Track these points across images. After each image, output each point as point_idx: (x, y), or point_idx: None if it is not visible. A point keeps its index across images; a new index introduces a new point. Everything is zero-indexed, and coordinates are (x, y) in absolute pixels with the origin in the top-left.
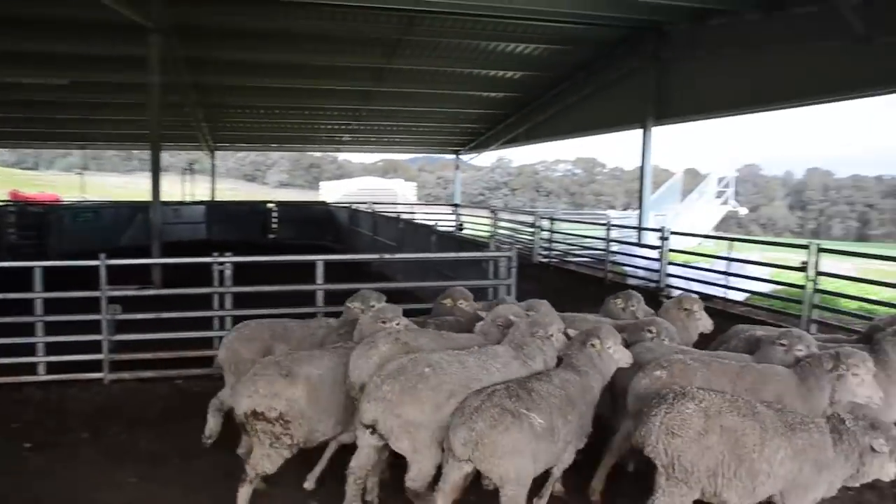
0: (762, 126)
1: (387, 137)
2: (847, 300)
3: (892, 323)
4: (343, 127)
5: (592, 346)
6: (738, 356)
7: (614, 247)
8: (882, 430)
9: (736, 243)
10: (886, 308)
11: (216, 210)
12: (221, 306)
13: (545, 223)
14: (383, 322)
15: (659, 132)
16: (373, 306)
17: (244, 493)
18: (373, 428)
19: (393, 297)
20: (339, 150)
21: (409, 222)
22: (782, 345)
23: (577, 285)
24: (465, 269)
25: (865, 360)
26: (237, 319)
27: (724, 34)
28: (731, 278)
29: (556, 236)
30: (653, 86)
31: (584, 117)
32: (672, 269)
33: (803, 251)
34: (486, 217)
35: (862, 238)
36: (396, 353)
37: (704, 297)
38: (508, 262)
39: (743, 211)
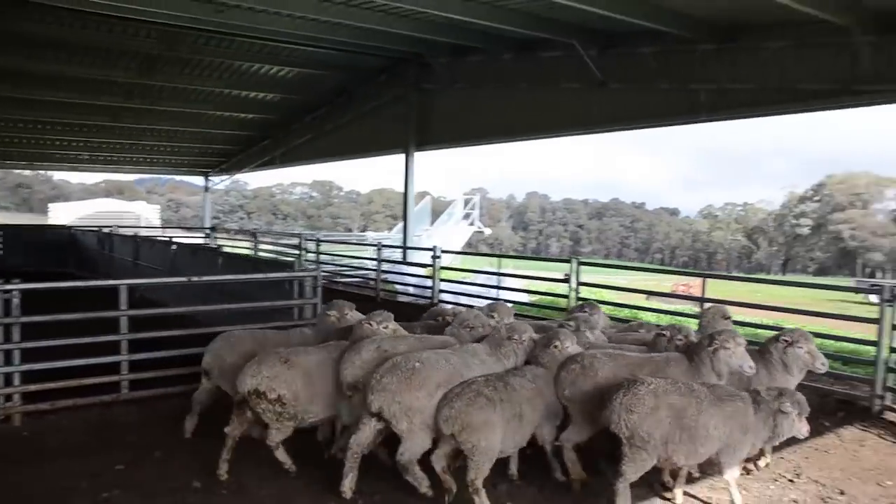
0: (487, 153)
1: (131, 157)
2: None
3: (680, 330)
4: (82, 144)
5: (555, 346)
6: (638, 349)
7: (384, 266)
8: (787, 396)
9: (498, 260)
10: (636, 311)
11: None
12: (8, 339)
13: (311, 245)
14: (376, 325)
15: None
16: (347, 314)
17: (281, 455)
18: (378, 415)
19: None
20: (74, 169)
21: (183, 245)
22: (662, 335)
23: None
24: (260, 291)
25: (734, 336)
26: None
27: (481, 69)
28: (500, 291)
29: (323, 257)
30: (414, 113)
31: (346, 141)
32: (443, 286)
33: (566, 265)
34: (244, 240)
35: (575, 253)
36: (378, 357)
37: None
38: (314, 281)
39: (488, 231)
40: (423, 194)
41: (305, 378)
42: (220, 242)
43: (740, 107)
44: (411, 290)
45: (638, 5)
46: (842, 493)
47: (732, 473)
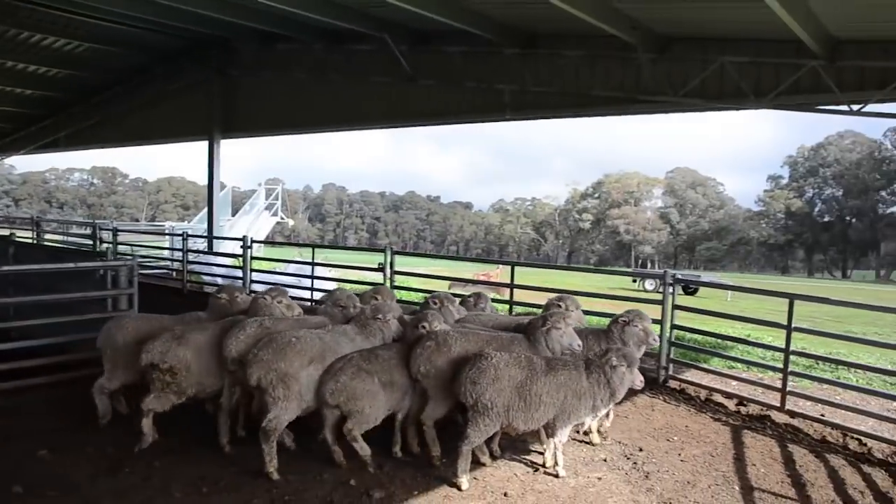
0: (282, 142)
1: None
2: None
3: (539, 319)
4: None
5: (423, 327)
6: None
7: (190, 256)
8: (613, 352)
9: (301, 249)
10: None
11: None
12: None
13: (106, 235)
14: (271, 300)
15: (202, 146)
16: (237, 297)
17: (147, 424)
18: (258, 385)
19: None
20: None
21: None
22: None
23: (159, 295)
24: (60, 283)
25: (564, 317)
26: None
27: (291, 57)
28: (315, 281)
29: (121, 248)
30: (219, 99)
31: (143, 125)
32: (254, 276)
33: (379, 254)
34: (22, 228)
35: (372, 244)
36: (260, 334)
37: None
38: (130, 271)
39: (291, 222)
40: (220, 184)
41: (196, 353)
42: None
43: (541, 108)
44: (219, 280)
45: (445, 5)
46: (640, 449)
47: (561, 436)
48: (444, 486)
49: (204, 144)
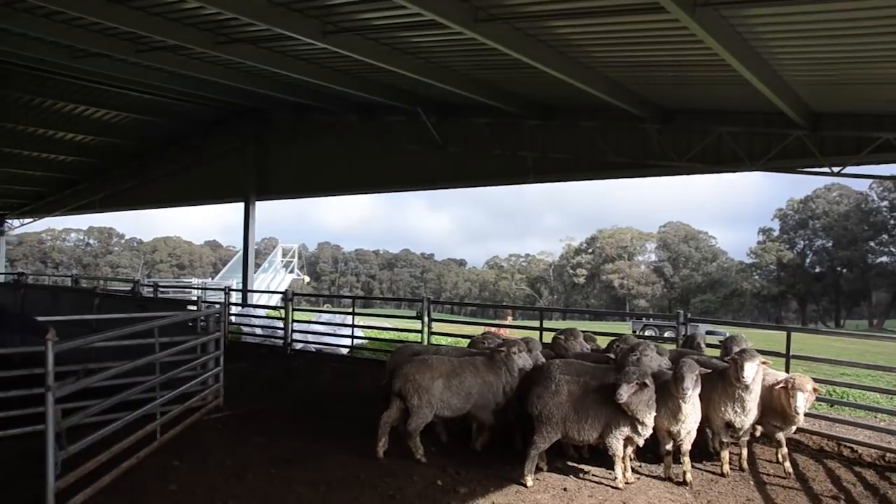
0: (277, 204)
1: None
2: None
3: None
4: None
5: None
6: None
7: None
8: (506, 344)
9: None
10: None
11: None
12: None
13: (145, 290)
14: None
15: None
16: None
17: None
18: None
19: None
20: None
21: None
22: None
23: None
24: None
25: (518, 344)
26: None
27: (324, 128)
28: (354, 329)
29: None
30: (254, 165)
31: (178, 188)
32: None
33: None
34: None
35: (367, 305)
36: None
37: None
38: (218, 317)
39: (307, 279)
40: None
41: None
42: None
43: (560, 172)
44: (258, 331)
45: (471, 83)
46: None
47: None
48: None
49: (199, 209)
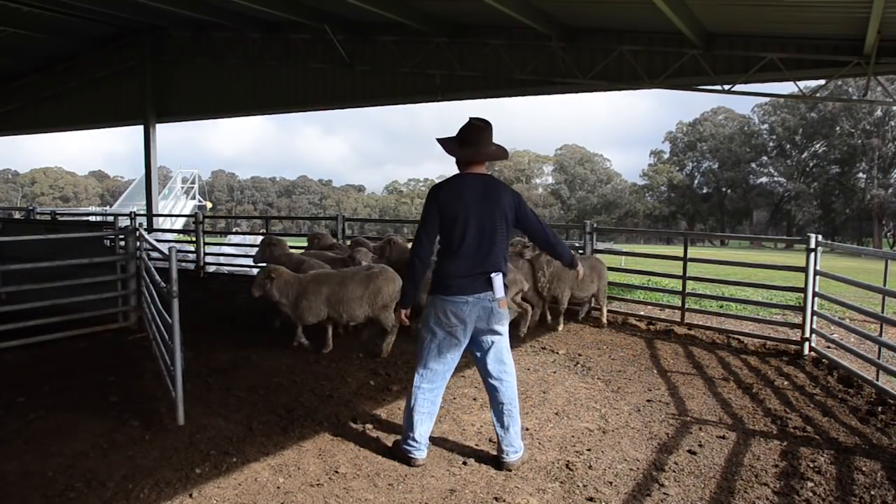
0: (171, 129)
1: None
2: None
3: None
4: None
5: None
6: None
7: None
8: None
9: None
10: None
11: None
12: None
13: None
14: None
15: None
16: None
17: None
18: None
19: None
20: None
21: None
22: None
23: None
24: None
25: (364, 247)
26: None
27: (227, 46)
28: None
29: None
30: (151, 86)
31: (69, 111)
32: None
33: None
34: None
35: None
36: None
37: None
38: (135, 235)
39: (209, 205)
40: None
41: None
42: None
43: (468, 89)
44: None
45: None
46: (579, 355)
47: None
48: None
49: (83, 134)
